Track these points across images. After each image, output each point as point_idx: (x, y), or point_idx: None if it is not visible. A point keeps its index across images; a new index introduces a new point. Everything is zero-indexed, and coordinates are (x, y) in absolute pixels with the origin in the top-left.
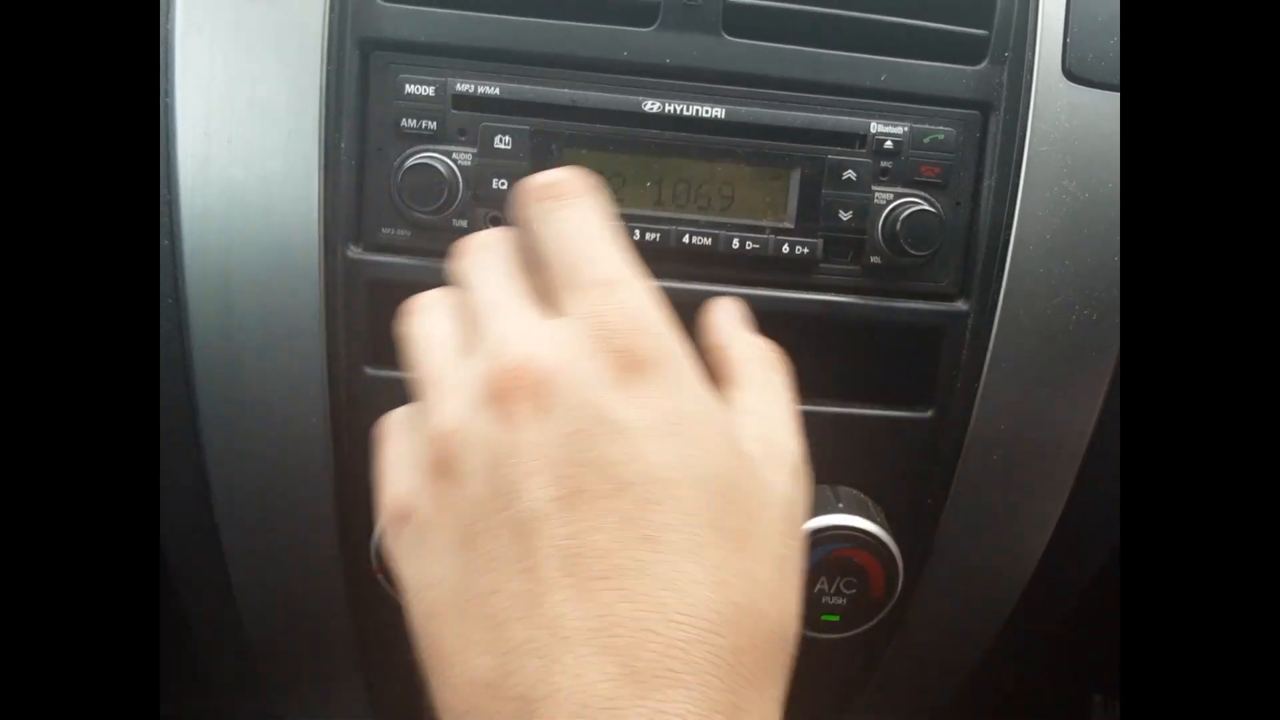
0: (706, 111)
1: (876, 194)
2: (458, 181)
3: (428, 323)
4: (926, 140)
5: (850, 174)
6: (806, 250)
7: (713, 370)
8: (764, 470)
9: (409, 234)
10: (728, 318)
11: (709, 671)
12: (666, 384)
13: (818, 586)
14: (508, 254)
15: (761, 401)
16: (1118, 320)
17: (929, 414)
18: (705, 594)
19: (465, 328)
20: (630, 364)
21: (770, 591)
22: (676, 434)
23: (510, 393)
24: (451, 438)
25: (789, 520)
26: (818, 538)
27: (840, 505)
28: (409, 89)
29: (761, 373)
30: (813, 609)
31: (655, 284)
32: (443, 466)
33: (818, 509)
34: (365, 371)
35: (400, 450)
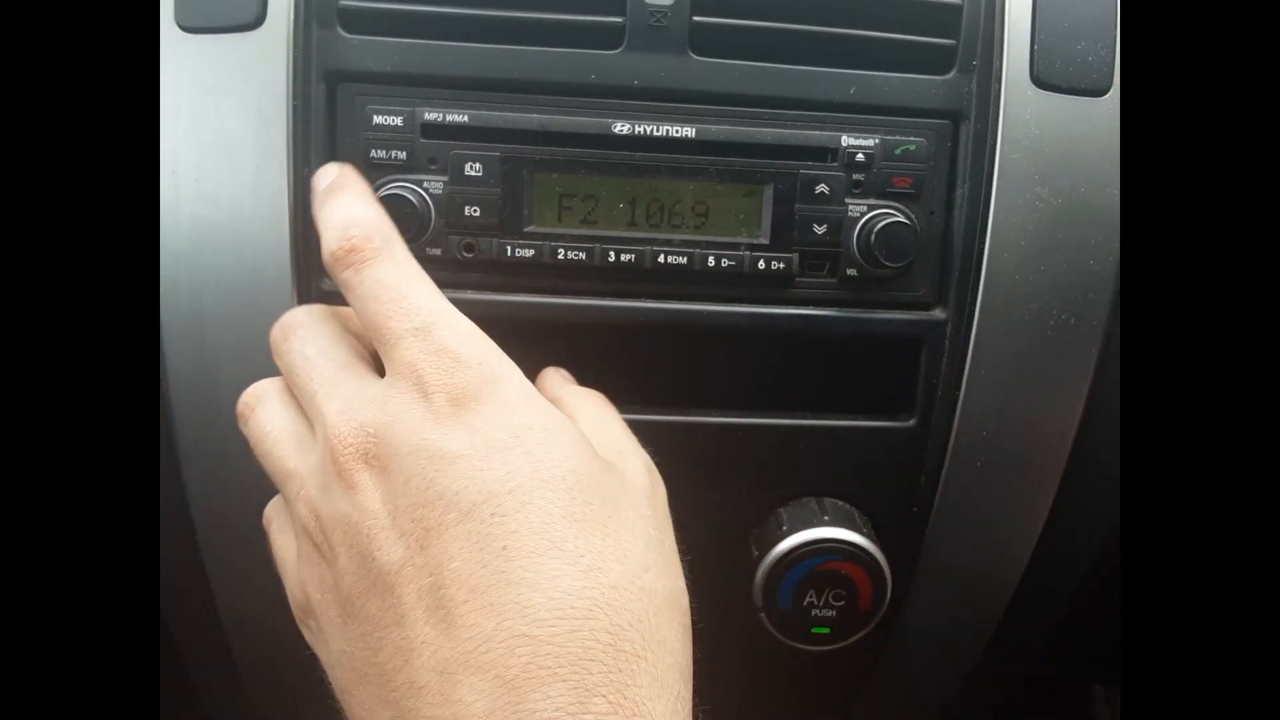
0: (677, 131)
1: (850, 207)
2: (430, 211)
3: (264, 418)
4: (898, 151)
5: (823, 188)
6: (782, 265)
7: None
8: (617, 464)
9: None
10: (556, 377)
11: (586, 658)
12: (497, 407)
13: (806, 599)
14: (321, 327)
15: (601, 428)
16: (1096, 323)
17: (911, 423)
18: (571, 584)
19: (301, 413)
20: (455, 399)
21: (649, 565)
22: (515, 447)
23: (348, 465)
24: (314, 526)
25: (654, 506)
26: (804, 551)
27: (826, 518)
28: (377, 119)
29: (595, 409)
30: (802, 622)
31: (629, 303)
32: (315, 554)
33: (803, 522)
34: None
35: (283, 546)
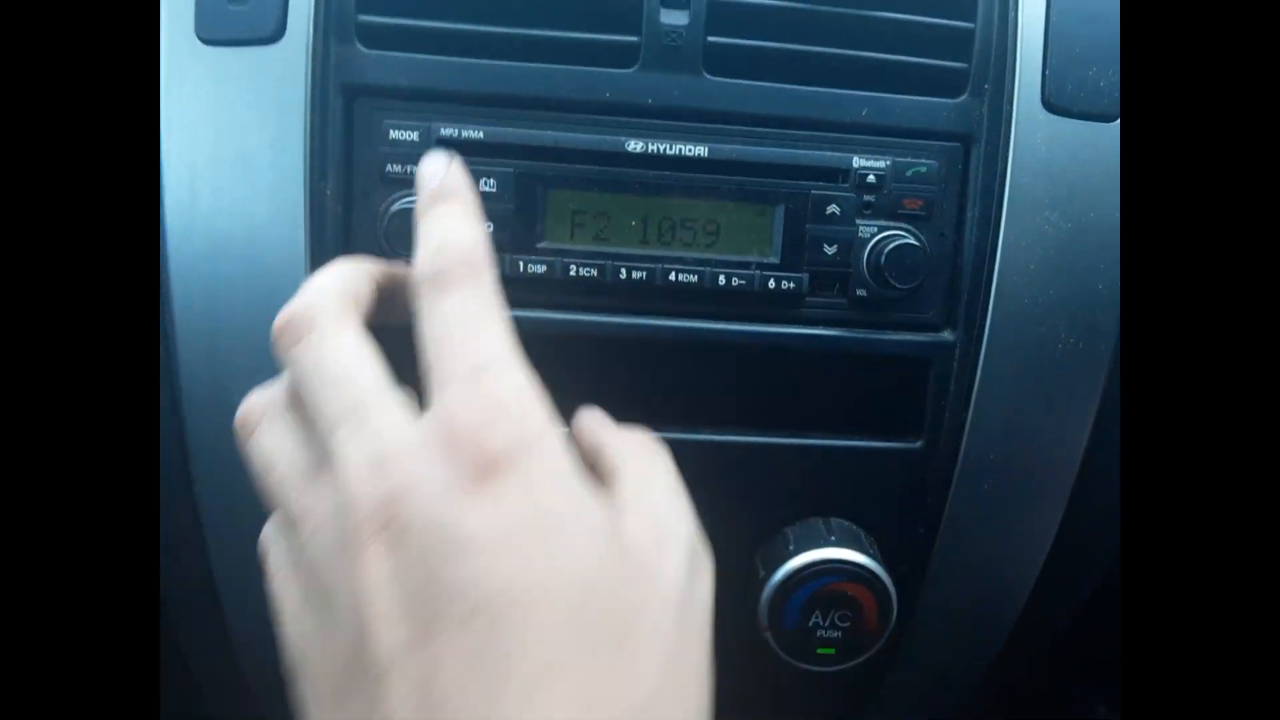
0: (689, 150)
1: (861, 227)
2: None
3: (267, 445)
4: (909, 173)
5: (834, 208)
6: (792, 285)
7: (594, 472)
8: (651, 557)
9: None
10: (595, 420)
11: None
12: (525, 480)
13: (812, 620)
14: (345, 330)
15: (646, 487)
16: (1104, 346)
17: (919, 444)
18: None
19: (309, 435)
20: (483, 464)
21: (663, 691)
22: (535, 536)
23: (358, 530)
24: (316, 584)
25: (684, 609)
26: (811, 571)
27: (832, 538)
28: (393, 134)
29: (644, 461)
30: (807, 642)
31: (640, 320)
32: (316, 612)
33: (810, 542)
34: None
35: (284, 584)
